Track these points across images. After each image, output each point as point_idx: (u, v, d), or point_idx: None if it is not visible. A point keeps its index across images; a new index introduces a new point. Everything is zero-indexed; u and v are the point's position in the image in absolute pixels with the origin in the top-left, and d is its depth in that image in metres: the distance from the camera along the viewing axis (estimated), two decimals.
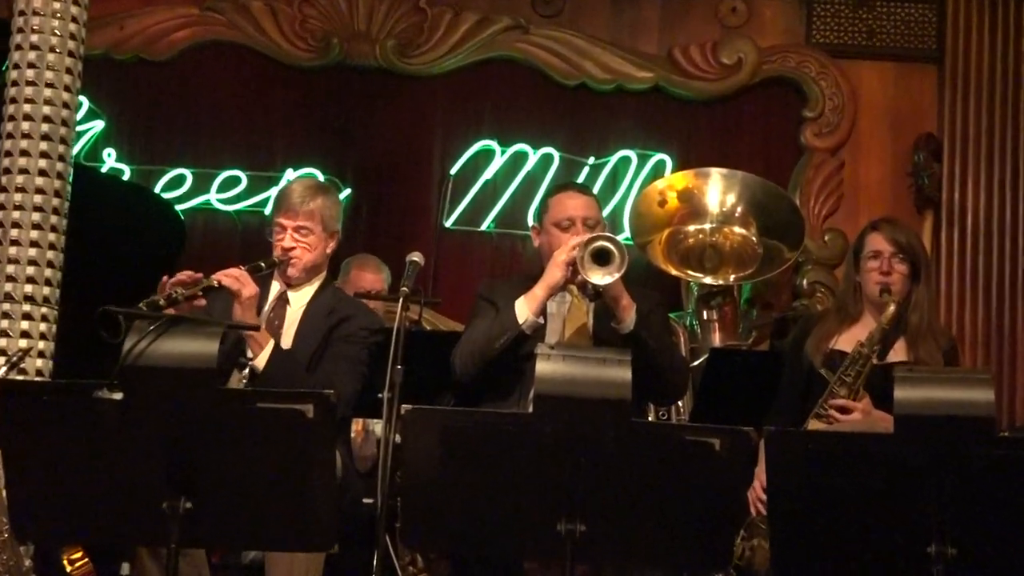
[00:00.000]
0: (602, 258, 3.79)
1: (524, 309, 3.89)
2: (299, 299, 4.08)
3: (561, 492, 2.91)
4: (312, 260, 4.07)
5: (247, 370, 3.85)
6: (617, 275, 3.77)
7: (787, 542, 3.02)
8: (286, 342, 3.96)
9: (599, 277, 3.78)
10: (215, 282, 3.74)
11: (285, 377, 3.76)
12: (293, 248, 4.04)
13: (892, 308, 3.98)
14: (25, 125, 4.28)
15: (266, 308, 4.04)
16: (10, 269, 4.26)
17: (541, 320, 3.92)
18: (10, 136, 4.31)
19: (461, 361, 3.96)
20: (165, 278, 3.70)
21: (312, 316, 4.04)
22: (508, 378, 3.92)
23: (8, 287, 4.25)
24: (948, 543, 2.89)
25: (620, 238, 6.23)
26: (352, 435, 4.87)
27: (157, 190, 6.40)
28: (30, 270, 4.25)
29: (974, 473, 2.88)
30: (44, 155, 4.27)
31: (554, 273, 3.90)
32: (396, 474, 3.58)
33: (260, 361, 3.82)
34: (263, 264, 3.97)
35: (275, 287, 4.11)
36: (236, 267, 3.85)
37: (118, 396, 2.91)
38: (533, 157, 6.62)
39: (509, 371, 3.91)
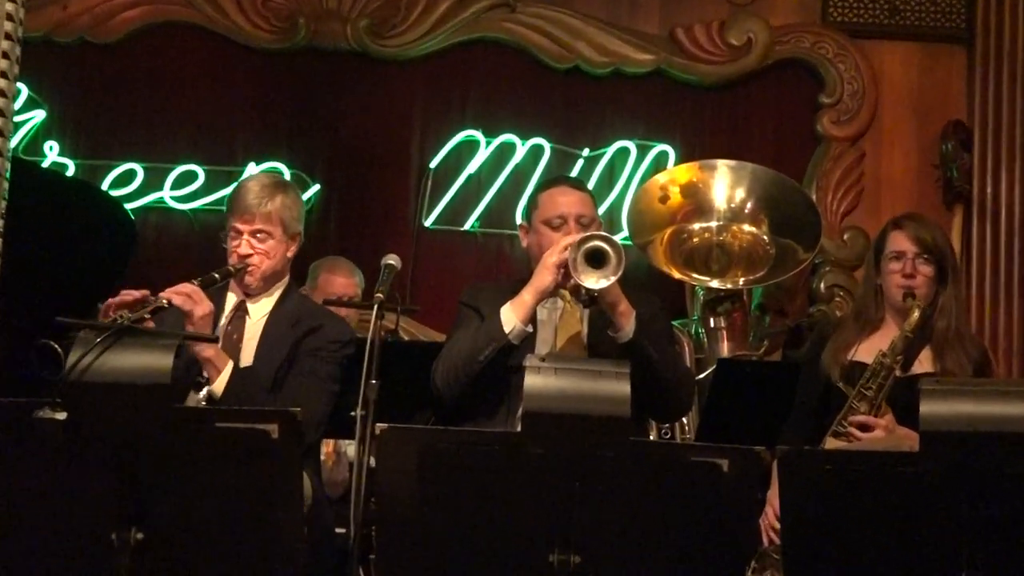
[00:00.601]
0: (597, 260, 3.79)
1: (511, 317, 3.89)
2: (259, 310, 4.08)
3: (553, 519, 2.92)
4: (272, 267, 4.07)
5: (204, 391, 3.84)
6: (614, 278, 3.77)
7: (803, 574, 3.03)
8: (246, 358, 3.95)
9: (594, 281, 3.78)
10: (164, 302, 3.72)
11: (248, 403, 3.74)
12: (251, 255, 4.03)
13: (916, 314, 3.99)
14: None
15: (223, 322, 4.02)
16: None
17: (530, 329, 3.92)
18: None
19: (442, 376, 3.96)
20: (109, 301, 3.67)
21: (275, 328, 4.03)
22: (494, 394, 3.92)
23: None
24: (981, 573, 2.90)
25: (618, 238, 6.31)
26: (322, 458, 4.87)
27: (105, 187, 6.39)
28: None
29: (1009, 495, 2.89)
30: None
31: (544, 277, 3.90)
32: (370, 500, 3.57)
33: (218, 386, 3.81)
34: (217, 275, 3.95)
35: (231, 298, 4.10)
36: (187, 282, 3.83)
37: (62, 416, 2.90)
38: (521, 149, 6.63)
39: (495, 386, 3.91)
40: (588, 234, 3.87)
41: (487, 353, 3.88)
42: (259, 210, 4.03)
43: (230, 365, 3.84)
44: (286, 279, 4.16)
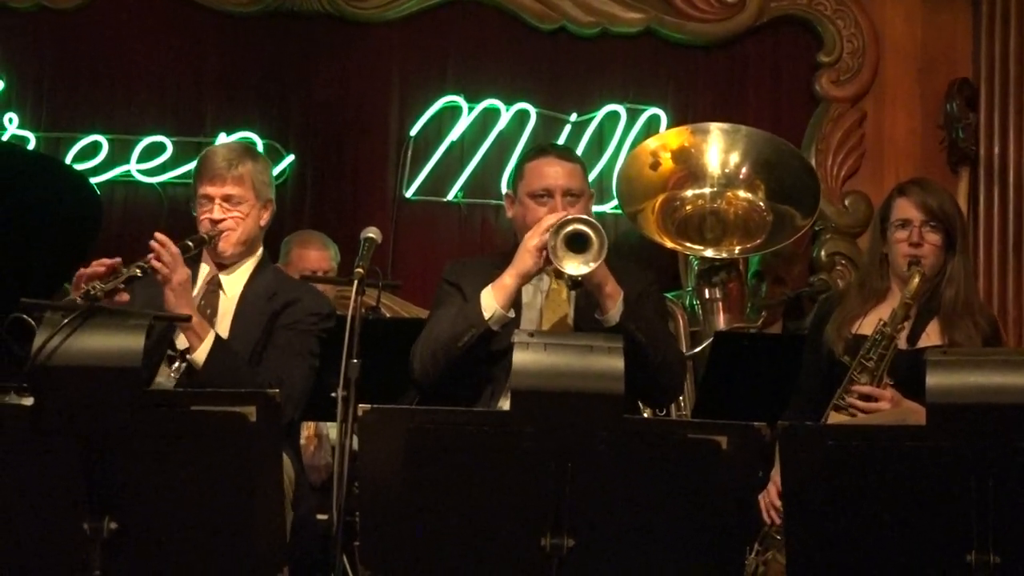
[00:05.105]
0: (578, 244, 3.78)
1: (491, 302, 3.89)
2: (234, 283, 4.08)
3: (545, 502, 2.93)
4: (246, 233, 4.07)
5: (179, 363, 3.84)
6: (595, 264, 3.76)
7: (806, 554, 3.05)
8: (222, 334, 3.95)
9: (574, 267, 3.78)
10: (137, 271, 3.73)
11: (229, 374, 3.76)
12: (223, 220, 4.04)
13: (917, 279, 3.99)
14: None
15: (195, 295, 4.02)
16: None
17: (511, 314, 3.91)
18: None
19: (421, 360, 3.96)
20: (81, 272, 3.67)
21: (250, 302, 4.04)
22: (477, 377, 3.92)
23: None
24: (990, 550, 2.92)
25: (608, 207, 6.32)
26: (303, 442, 4.87)
27: (68, 160, 6.38)
28: None
29: (1020, 469, 2.91)
30: None
31: (525, 260, 3.89)
32: (354, 485, 3.58)
33: (200, 355, 3.82)
34: (191, 243, 3.96)
35: (204, 270, 4.10)
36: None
37: (28, 401, 2.90)
38: (506, 115, 6.62)
39: (478, 370, 3.91)
40: (568, 217, 3.85)
41: (466, 339, 3.88)
42: (230, 173, 4.04)
43: (212, 334, 3.85)
44: (260, 251, 4.17)
